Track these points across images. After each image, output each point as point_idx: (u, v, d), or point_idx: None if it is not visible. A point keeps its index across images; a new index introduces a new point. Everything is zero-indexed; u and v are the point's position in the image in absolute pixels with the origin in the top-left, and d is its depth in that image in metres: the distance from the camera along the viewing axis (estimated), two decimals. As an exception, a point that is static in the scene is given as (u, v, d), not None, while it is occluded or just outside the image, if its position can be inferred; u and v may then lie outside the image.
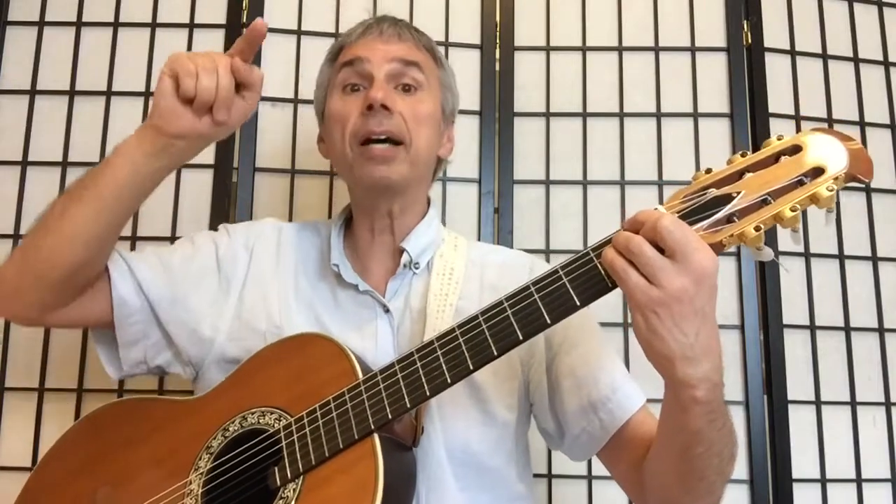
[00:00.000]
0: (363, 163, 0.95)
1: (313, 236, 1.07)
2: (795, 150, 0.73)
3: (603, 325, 1.03)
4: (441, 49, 1.03)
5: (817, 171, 0.72)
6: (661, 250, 0.70)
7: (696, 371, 0.71)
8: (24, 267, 0.89)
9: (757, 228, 0.71)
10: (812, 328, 1.44)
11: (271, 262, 1.03)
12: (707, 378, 0.72)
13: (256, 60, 1.45)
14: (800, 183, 0.72)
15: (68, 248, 0.87)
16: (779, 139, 0.75)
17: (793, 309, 1.44)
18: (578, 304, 0.76)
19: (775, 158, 0.74)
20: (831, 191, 0.70)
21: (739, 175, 0.74)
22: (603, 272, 0.75)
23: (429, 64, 1.03)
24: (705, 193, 0.74)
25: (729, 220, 0.73)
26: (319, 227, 1.09)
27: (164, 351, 1.01)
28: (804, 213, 0.73)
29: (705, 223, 0.73)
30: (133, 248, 1.40)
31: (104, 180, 0.87)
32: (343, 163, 0.99)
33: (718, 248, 0.73)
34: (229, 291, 1.00)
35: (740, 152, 0.76)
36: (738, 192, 0.73)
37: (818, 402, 1.42)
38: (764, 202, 0.72)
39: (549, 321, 0.77)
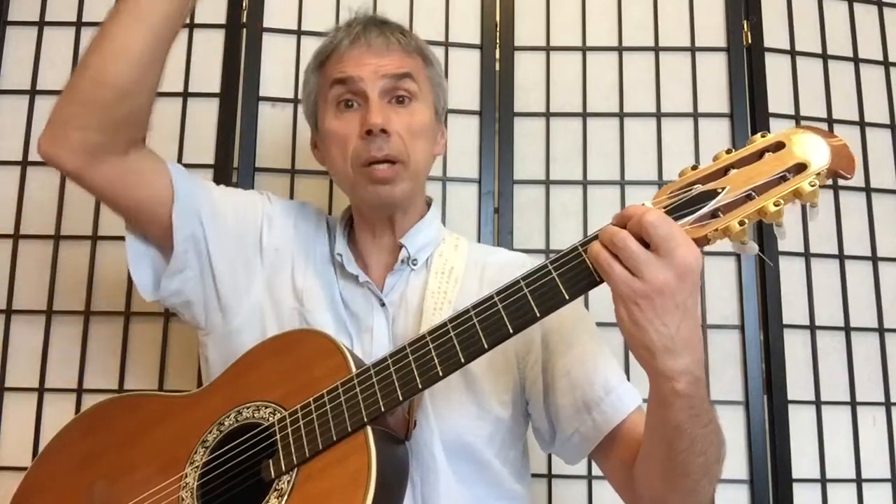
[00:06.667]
0: (367, 184, 0.99)
1: (321, 224, 1.11)
2: (779, 146, 0.75)
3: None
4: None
5: (800, 167, 0.74)
6: (648, 245, 0.72)
7: (677, 363, 0.73)
8: (71, 93, 0.88)
9: (741, 223, 0.73)
10: (812, 328, 1.44)
11: (291, 237, 1.06)
12: (687, 371, 0.74)
13: (256, 60, 1.45)
14: (783, 179, 0.73)
15: (113, 64, 0.86)
16: (763, 136, 0.77)
17: (793, 309, 1.44)
18: (567, 297, 0.77)
19: (759, 155, 0.75)
20: (813, 186, 0.72)
21: (725, 171, 0.76)
22: (590, 266, 0.77)
23: (419, 68, 1.04)
24: (691, 189, 0.76)
25: (714, 215, 0.74)
26: (327, 218, 1.13)
27: (199, 287, 1.00)
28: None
29: (691, 218, 0.75)
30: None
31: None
32: (345, 182, 1.03)
33: (703, 243, 0.75)
34: (262, 256, 1.03)
35: (725, 149, 0.77)
36: (723, 188, 0.74)
37: (818, 402, 1.42)
38: (748, 197, 0.74)
39: (538, 314, 0.78)
